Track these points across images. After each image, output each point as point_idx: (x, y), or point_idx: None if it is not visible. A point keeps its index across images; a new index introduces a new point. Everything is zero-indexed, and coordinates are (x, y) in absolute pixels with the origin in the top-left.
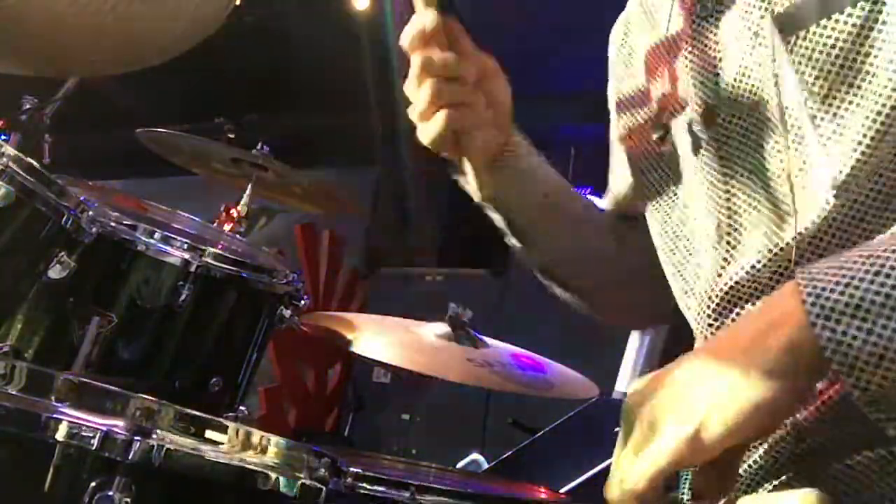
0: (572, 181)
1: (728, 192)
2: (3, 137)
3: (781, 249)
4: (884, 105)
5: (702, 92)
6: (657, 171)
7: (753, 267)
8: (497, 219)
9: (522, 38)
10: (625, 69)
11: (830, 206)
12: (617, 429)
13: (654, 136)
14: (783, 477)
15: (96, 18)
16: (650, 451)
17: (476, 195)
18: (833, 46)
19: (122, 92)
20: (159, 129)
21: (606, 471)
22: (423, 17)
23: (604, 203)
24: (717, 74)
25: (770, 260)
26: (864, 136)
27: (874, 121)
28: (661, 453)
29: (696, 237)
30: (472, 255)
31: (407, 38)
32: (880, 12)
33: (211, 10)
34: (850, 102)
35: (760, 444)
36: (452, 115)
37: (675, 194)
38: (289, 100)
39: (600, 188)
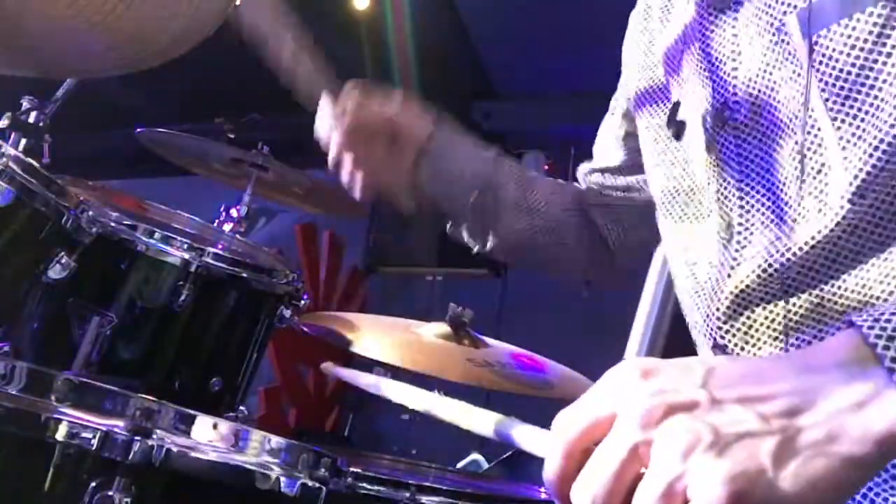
0: (572, 181)
1: (741, 189)
2: (2, 137)
3: (794, 254)
4: None
5: (718, 87)
6: (672, 166)
7: (765, 270)
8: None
9: (523, 38)
10: (644, 58)
11: (845, 211)
12: None
13: (669, 132)
14: None
15: (95, 19)
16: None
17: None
18: (854, 46)
19: (122, 92)
20: (159, 129)
21: None
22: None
23: (582, 171)
24: (736, 69)
25: (781, 264)
26: (882, 140)
27: (892, 125)
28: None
29: (708, 236)
30: (472, 255)
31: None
32: None
33: (211, 10)
34: (871, 105)
35: None
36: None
37: (692, 191)
38: (289, 100)
39: None
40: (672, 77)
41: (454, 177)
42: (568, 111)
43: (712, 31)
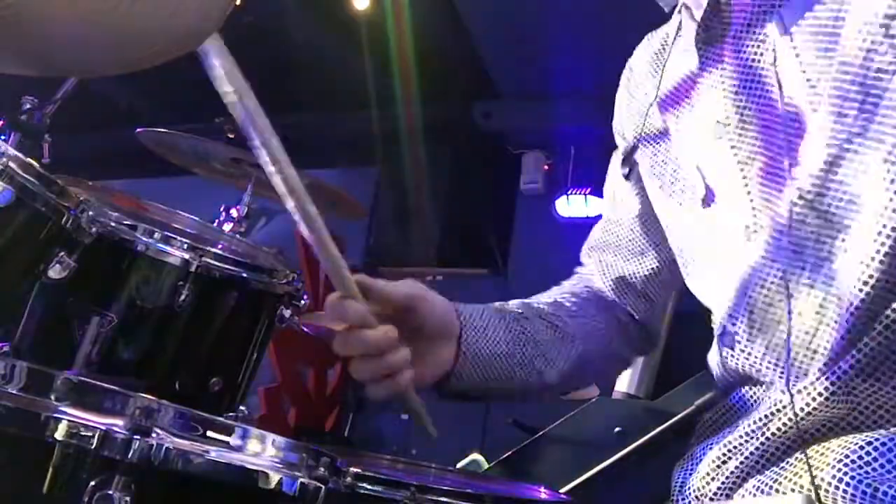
0: (572, 181)
1: (747, 187)
2: (2, 137)
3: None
4: (857, 73)
5: (724, 106)
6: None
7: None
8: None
9: (523, 38)
10: (635, 113)
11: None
12: (618, 428)
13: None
14: (775, 466)
15: (96, 18)
16: None
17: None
18: (817, 33)
19: (122, 92)
20: (159, 129)
21: (606, 471)
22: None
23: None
24: (735, 86)
25: None
26: (842, 98)
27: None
28: None
29: (729, 232)
30: (472, 255)
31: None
32: None
33: (211, 10)
34: (832, 86)
35: (756, 434)
36: (360, 367)
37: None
38: (289, 100)
39: (599, 188)
40: (671, 119)
41: (492, 360)
42: (568, 111)
43: (705, 66)
